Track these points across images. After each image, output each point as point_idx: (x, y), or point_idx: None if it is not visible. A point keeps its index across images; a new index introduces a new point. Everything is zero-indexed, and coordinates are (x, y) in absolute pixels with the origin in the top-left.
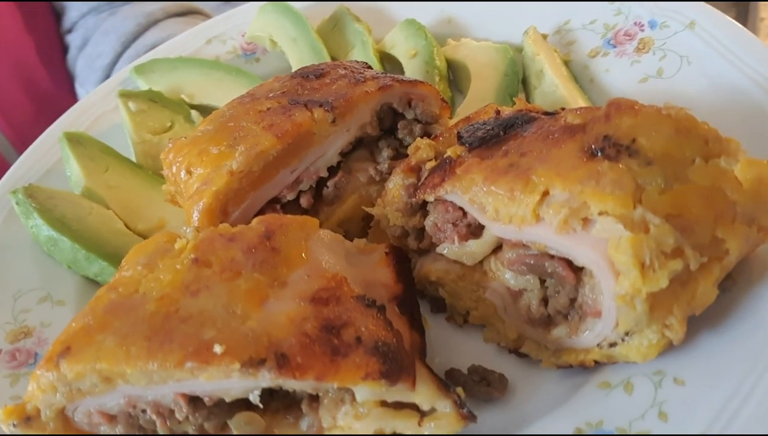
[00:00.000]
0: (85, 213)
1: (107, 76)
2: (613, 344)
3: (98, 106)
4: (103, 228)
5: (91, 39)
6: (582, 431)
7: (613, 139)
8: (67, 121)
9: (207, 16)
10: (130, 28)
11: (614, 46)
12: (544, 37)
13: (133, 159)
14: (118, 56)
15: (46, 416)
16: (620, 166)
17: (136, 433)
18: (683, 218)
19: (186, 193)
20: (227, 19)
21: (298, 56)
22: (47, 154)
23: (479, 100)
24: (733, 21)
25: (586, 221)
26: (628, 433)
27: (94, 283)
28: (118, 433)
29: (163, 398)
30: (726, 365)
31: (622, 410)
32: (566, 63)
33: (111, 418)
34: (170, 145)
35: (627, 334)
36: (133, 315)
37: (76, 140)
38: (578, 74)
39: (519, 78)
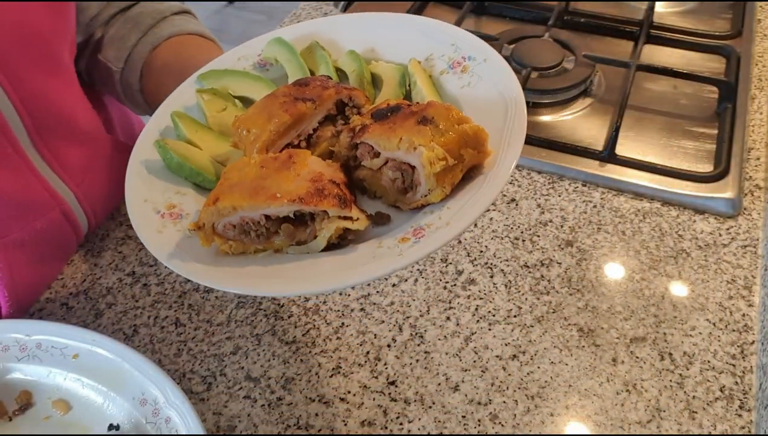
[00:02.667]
0: (192, 152)
1: (130, 54)
2: (426, 196)
3: (184, 97)
4: (201, 158)
5: (114, 25)
6: (414, 226)
7: (426, 117)
8: (169, 104)
9: (193, 15)
10: (148, 21)
11: (452, 68)
12: (419, 62)
13: (207, 125)
14: (138, 40)
15: (206, 227)
16: (427, 128)
17: (243, 232)
18: (448, 147)
19: (246, 141)
20: (250, 46)
21: (291, 70)
22: (162, 121)
23: (386, 96)
24: (502, 59)
25: (415, 148)
26: (431, 226)
27: (199, 186)
28: (236, 233)
29: (254, 216)
30: (468, 203)
31: (428, 219)
32: (430, 77)
33: (233, 226)
34: (235, 118)
35: (430, 191)
36: (240, 186)
37: (179, 115)
38: (435, 83)
39: (407, 84)
